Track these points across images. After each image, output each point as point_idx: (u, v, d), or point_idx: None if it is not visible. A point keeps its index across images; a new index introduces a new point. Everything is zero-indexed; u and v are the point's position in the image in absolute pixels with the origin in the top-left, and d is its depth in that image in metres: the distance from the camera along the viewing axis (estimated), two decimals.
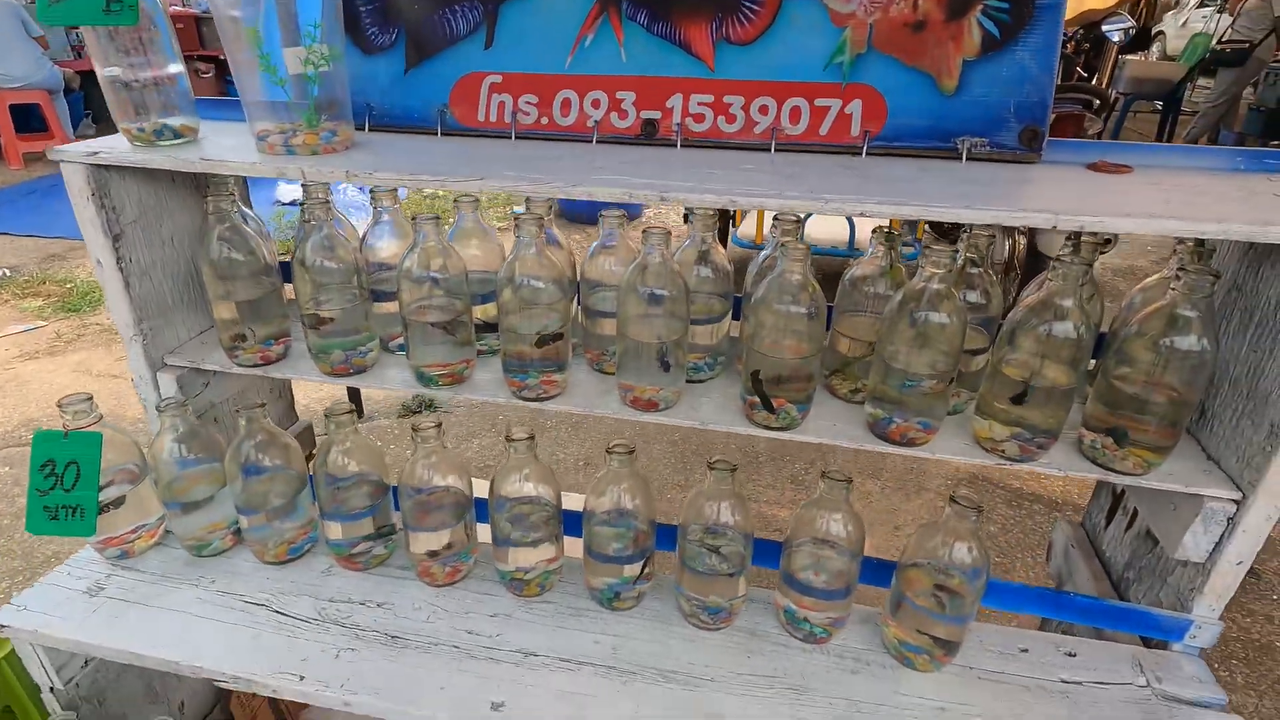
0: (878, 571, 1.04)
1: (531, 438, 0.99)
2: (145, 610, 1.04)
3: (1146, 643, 1.05)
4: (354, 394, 2.66)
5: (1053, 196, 0.86)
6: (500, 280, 0.99)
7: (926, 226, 3.31)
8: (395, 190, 1.13)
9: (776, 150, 1.06)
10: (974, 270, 1.01)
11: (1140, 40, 6.60)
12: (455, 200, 1.09)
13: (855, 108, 1.03)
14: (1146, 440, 0.91)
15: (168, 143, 1.03)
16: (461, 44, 1.12)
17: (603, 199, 0.89)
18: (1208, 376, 0.87)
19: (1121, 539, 1.20)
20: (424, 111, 1.16)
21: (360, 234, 1.18)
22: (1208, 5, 8.61)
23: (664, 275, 0.95)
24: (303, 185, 1.06)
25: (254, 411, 1.03)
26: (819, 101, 1.04)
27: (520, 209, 1.09)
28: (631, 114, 1.10)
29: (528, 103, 1.12)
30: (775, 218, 1.09)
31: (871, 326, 1.02)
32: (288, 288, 1.15)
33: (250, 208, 1.24)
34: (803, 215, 1.16)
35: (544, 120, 1.13)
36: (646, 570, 1.05)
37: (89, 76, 6.22)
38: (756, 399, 0.98)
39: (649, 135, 1.10)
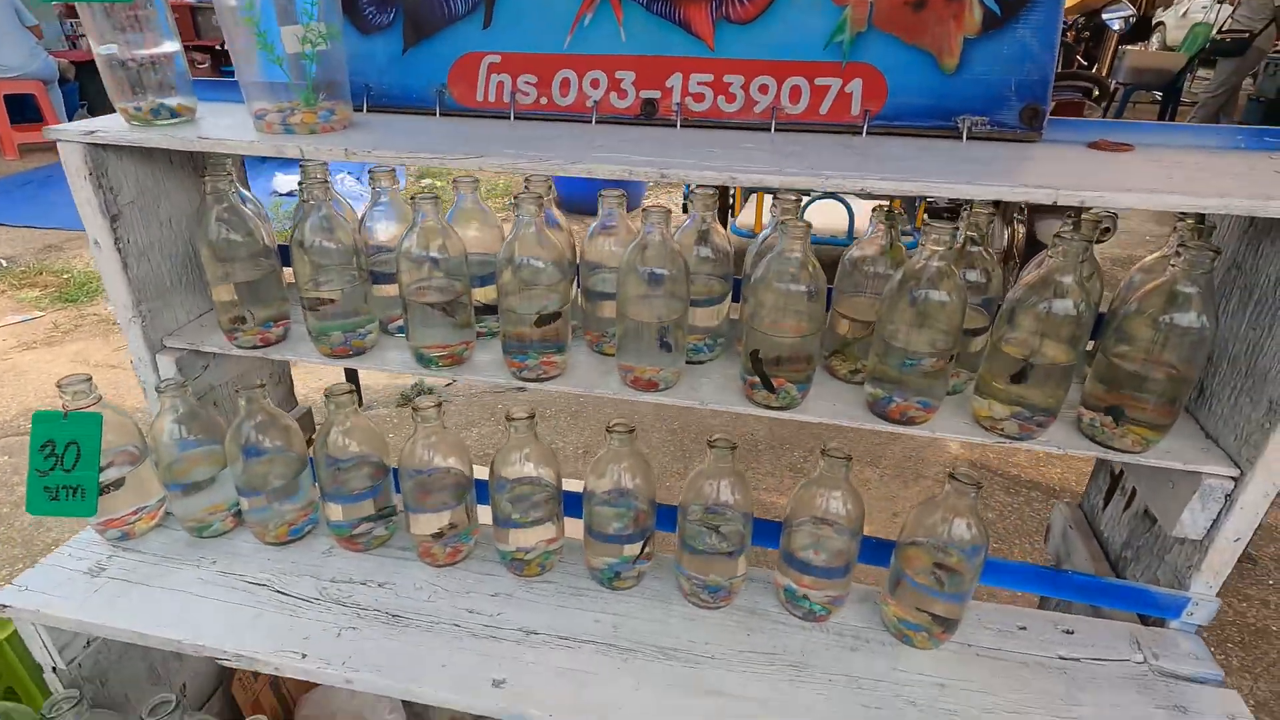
0: (876, 551, 1.04)
1: (532, 416, 1.00)
2: (147, 590, 1.04)
3: (1144, 620, 1.06)
4: (353, 382, 2.66)
5: (1054, 173, 0.86)
6: (500, 260, 0.99)
7: (925, 217, 3.31)
8: (393, 171, 1.13)
9: (776, 130, 1.06)
10: (974, 249, 1.01)
11: (1140, 30, 6.58)
12: (454, 181, 1.09)
13: (855, 87, 1.03)
14: (1145, 418, 0.91)
15: (165, 122, 1.02)
16: (460, 23, 1.12)
17: (603, 177, 0.89)
18: (1206, 353, 0.88)
19: (1119, 519, 1.20)
20: (422, 92, 1.15)
21: (359, 217, 1.18)
22: None
23: (664, 254, 0.95)
24: (301, 166, 1.06)
25: (254, 392, 1.03)
26: (819, 80, 1.03)
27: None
28: (631, 94, 1.09)
29: (526, 83, 1.12)
30: (775, 198, 1.09)
31: (871, 307, 1.02)
32: (286, 272, 1.15)
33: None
34: (803, 203, 1.16)
35: (543, 100, 1.12)
36: (647, 550, 1.06)
37: (84, 66, 6.19)
38: (756, 379, 0.98)
39: (648, 115, 1.10)
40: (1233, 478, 0.91)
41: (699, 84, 1.07)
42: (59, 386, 1.00)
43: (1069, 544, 1.30)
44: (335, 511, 1.10)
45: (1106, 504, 1.25)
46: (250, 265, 1.08)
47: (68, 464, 0.99)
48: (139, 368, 1.15)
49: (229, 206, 1.05)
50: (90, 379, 1.02)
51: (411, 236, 1.00)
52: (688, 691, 0.92)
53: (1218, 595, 0.99)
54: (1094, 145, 0.99)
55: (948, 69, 0.99)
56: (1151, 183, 0.81)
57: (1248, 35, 5.58)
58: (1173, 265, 0.84)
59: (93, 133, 0.98)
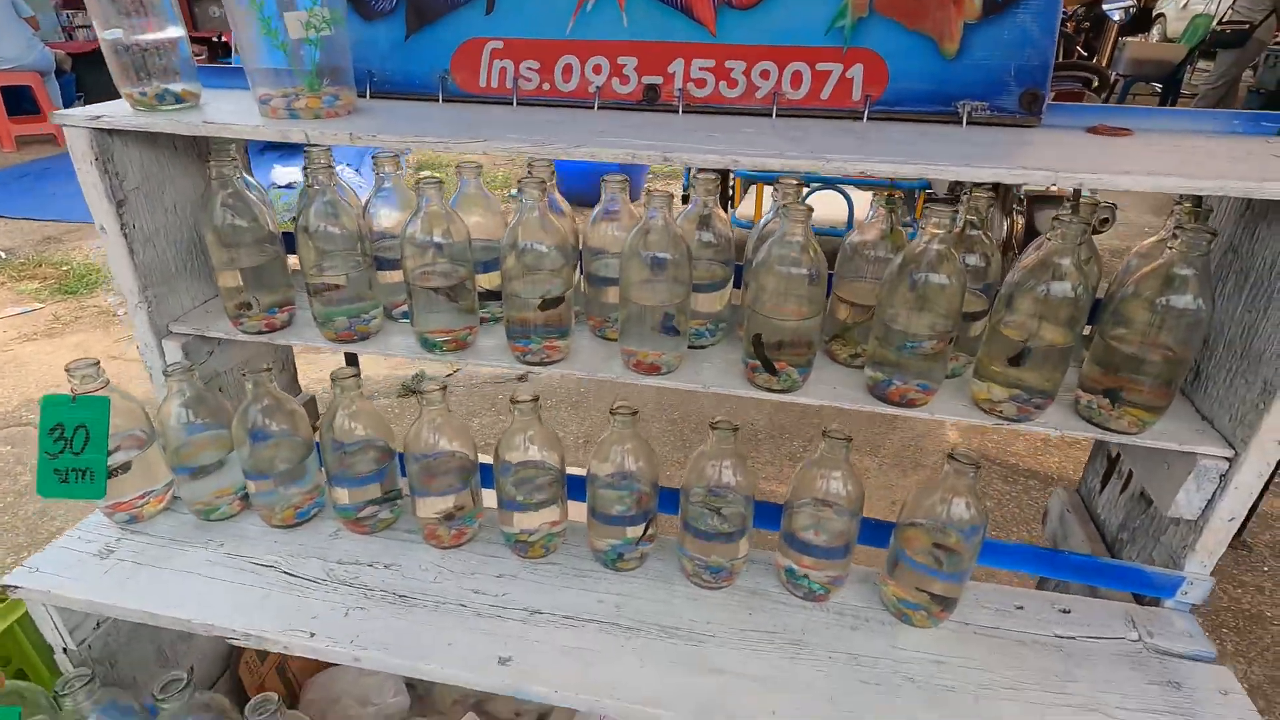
0: (876, 532, 1.06)
1: (536, 399, 1.01)
2: (156, 571, 1.05)
3: (1139, 600, 1.08)
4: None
5: (1053, 156, 0.87)
6: (504, 245, 1.00)
7: (925, 209, 3.31)
8: (397, 157, 1.14)
9: (778, 115, 1.06)
10: (973, 233, 1.02)
11: (1140, 22, 6.56)
12: (457, 167, 1.10)
13: (856, 72, 1.04)
14: (1141, 400, 0.92)
15: (170, 107, 1.03)
16: (462, 9, 1.12)
17: (606, 160, 0.90)
18: (1203, 335, 0.89)
19: (1116, 502, 1.22)
20: (425, 78, 1.16)
21: (362, 204, 1.18)
22: None
23: (667, 238, 0.95)
24: (305, 152, 1.06)
25: (260, 375, 1.04)
26: (820, 66, 1.04)
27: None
28: (633, 79, 1.10)
29: (529, 69, 1.12)
30: (776, 184, 1.10)
31: (871, 291, 1.03)
32: (290, 260, 1.16)
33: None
34: (803, 194, 1.16)
35: (545, 86, 1.13)
36: (649, 532, 1.07)
37: (81, 59, 6.16)
38: (758, 363, 0.99)
39: (650, 101, 1.10)
40: (1227, 458, 0.92)
41: (701, 69, 1.08)
42: (67, 370, 1.01)
43: (1066, 527, 1.31)
44: (341, 495, 1.11)
45: (1103, 488, 1.27)
46: (255, 251, 1.09)
47: (77, 447, 1.00)
48: (145, 353, 1.16)
49: (234, 192, 1.05)
50: (98, 363, 1.03)
51: (416, 221, 1.01)
52: (691, 669, 0.93)
53: (1212, 578, 1.01)
54: (1093, 130, 1.00)
55: (948, 54, 1.00)
56: (1150, 165, 0.82)
57: (1248, 27, 5.58)
58: (1170, 247, 0.85)
59: (99, 118, 0.98)
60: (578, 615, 1.01)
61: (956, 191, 2.78)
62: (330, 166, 1.04)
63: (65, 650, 1.08)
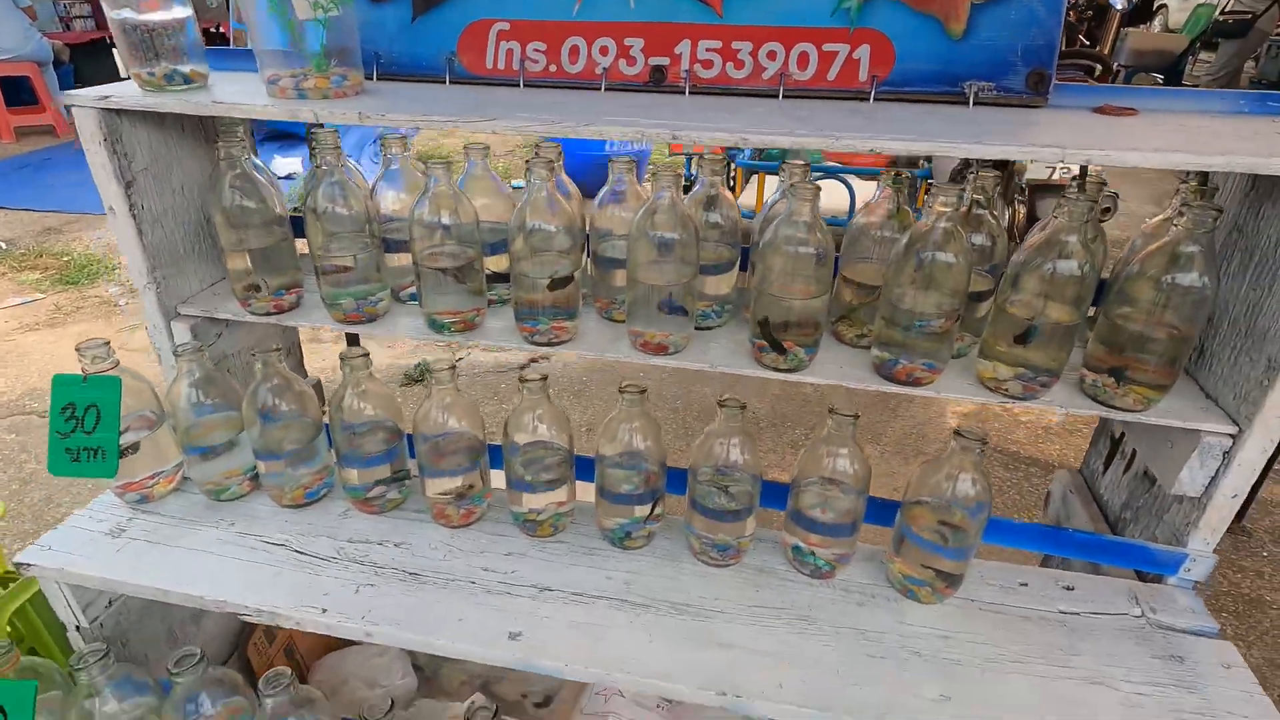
0: (882, 511, 1.07)
1: (544, 378, 1.01)
2: (168, 550, 1.06)
3: (1142, 577, 1.09)
4: None
5: (1061, 135, 0.87)
6: (512, 225, 1.00)
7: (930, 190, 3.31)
8: (405, 139, 1.14)
9: (784, 96, 1.07)
10: (980, 212, 1.02)
11: (1143, 12, 6.54)
12: (465, 148, 1.10)
13: (863, 53, 1.04)
14: (1146, 378, 0.93)
15: (178, 88, 1.03)
16: None
17: (614, 139, 0.90)
18: (1208, 313, 0.89)
19: (1119, 481, 1.23)
20: (432, 60, 1.16)
21: (370, 186, 1.19)
22: None
23: (674, 217, 0.96)
24: (312, 133, 1.06)
25: (270, 355, 1.04)
26: (827, 47, 1.04)
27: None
28: (640, 60, 1.10)
29: (535, 50, 1.12)
30: (782, 165, 1.10)
31: (877, 272, 1.03)
32: (299, 244, 1.16)
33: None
34: (809, 180, 1.16)
35: (552, 68, 1.13)
36: (657, 511, 1.08)
37: (78, 49, 6.13)
38: (765, 343, 0.99)
39: (657, 82, 1.10)
40: (1231, 435, 0.93)
41: (707, 50, 1.08)
42: (78, 350, 1.02)
43: (1069, 508, 1.32)
44: (351, 475, 1.12)
45: (1106, 468, 1.28)
46: (264, 232, 1.09)
47: (88, 426, 1.01)
48: (154, 334, 1.16)
49: (242, 173, 1.06)
50: (108, 343, 1.04)
51: (424, 202, 1.01)
52: (700, 644, 0.95)
53: (1215, 554, 1.02)
54: (1099, 110, 1.01)
55: (955, 34, 1.00)
56: (1156, 143, 0.83)
57: (1250, 17, 5.56)
58: (1175, 225, 0.86)
59: (107, 98, 0.98)
60: (586, 592, 1.02)
61: (958, 182, 2.78)
62: (338, 147, 1.04)
63: (78, 628, 1.09)
